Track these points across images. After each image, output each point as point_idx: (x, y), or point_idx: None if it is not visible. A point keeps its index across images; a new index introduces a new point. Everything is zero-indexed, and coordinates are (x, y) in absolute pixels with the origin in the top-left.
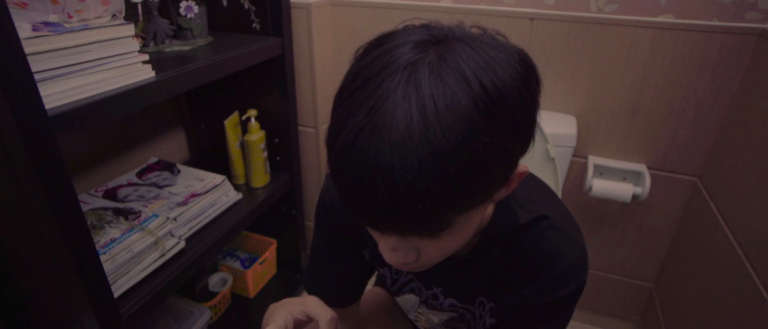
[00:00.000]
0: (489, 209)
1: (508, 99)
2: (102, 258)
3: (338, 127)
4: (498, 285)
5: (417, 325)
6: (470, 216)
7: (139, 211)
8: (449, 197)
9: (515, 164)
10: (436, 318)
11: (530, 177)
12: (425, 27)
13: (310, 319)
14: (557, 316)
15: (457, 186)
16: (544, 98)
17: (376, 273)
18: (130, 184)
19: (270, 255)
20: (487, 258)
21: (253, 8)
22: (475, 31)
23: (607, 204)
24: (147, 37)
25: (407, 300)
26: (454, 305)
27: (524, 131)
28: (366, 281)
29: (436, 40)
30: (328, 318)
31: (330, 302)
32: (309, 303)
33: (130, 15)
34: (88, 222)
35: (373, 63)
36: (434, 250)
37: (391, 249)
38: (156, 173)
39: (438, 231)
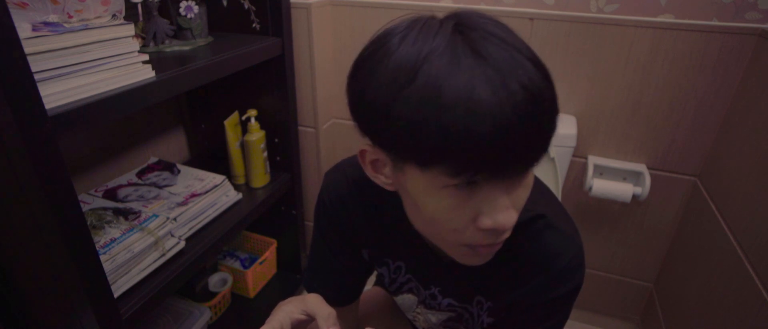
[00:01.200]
0: None
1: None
2: (102, 258)
3: (446, 87)
4: (495, 285)
5: (416, 325)
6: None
7: (139, 211)
8: (555, 125)
9: None
10: (434, 317)
11: None
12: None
13: (310, 318)
14: (554, 315)
15: (556, 117)
16: None
17: (376, 272)
18: (130, 184)
19: (270, 255)
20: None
21: (253, 8)
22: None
23: (607, 204)
24: (147, 37)
25: (406, 300)
26: (452, 305)
27: None
28: (364, 281)
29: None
30: (326, 314)
31: (329, 300)
32: (308, 301)
33: (130, 15)
34: (88, 222)
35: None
36: (521, 199)
37: (506, 208)
38: (156, 173)
39: (536, 165)
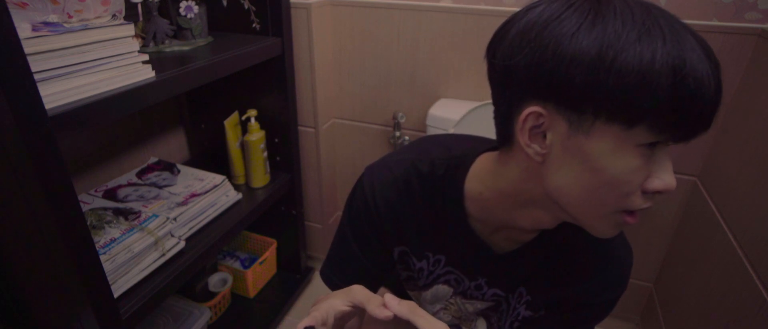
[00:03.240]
0: None
1: None
2: (102, 258)
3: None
4: (541, 279)
5: (438, 316)
6: None
7: (139, 211)
8: None
9: None
10: (471, 307)
11: None
12: None
13: (356, 309)
14: (596, 318)
15: None
16: None
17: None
18: (130, 184)
19: (270, 255)
20: (540, 251)
21: (253, 8)
22: None
23: None
24: (147, 37)
25: (438, 291)
26: (497, 295)
27: None
28: (380, 281)
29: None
30: (377, 302)
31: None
32: (354, 292)
33: (130, 15)
34: (88, 222)
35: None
36: None
37: (671, 170)
38: (156, 173)
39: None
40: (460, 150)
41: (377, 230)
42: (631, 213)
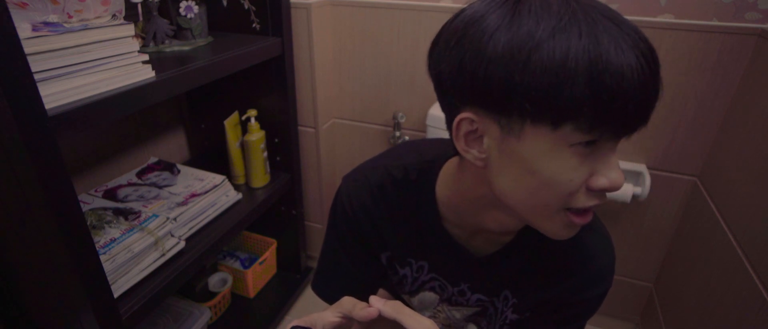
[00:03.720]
0: None
1: None
2: (102, 258)
3: (580, 67)
4: (524, 281)
5: None
6: None
7: (139, 211)
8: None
9: None
10: (458, 313)
11: None
12: None
13: (348, 320)
14: (582, 317)
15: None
16: None
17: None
18: (130, 184)
19: (270, 255)
20: (520, 253)
21: (253, 8)
22: None
23: (607, 204)
24: (147, 37)
25: (425, 298)
26: (481, 300)
27: None
28: (376, 287)
29: None
30: (362, 306)
31: (329, 299)
32: (343, 302)
33: (130, 15)
34: (88, 222)
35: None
36: None
37: (618, 166)
38: (156, 173)
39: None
40: (431, 154)
41: (359, 237)
42: (578, 212)
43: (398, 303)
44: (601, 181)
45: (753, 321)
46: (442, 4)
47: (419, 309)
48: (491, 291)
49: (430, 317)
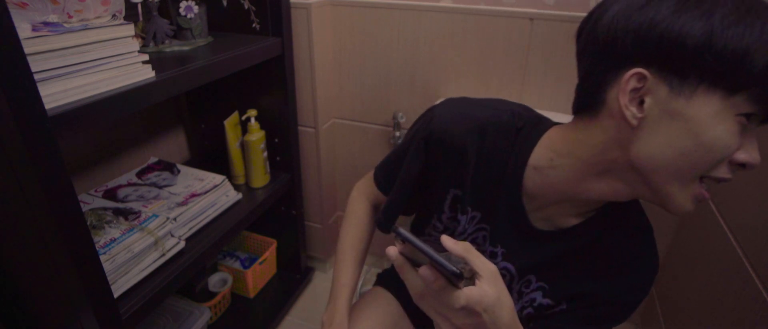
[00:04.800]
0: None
1: None
2: (102, 258)
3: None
4: (563, 268)
5: None
6: None
7: (139, 211)
8: None
9: None
10: None
11: None
12: None
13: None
14: (614, 320)
15: None
16: (543, 99)
17: (376, 273)
18: (130, 184)
19: (270, 255)
20: (577, 239)
21: (253, 8)
22: None
23: None
24: (147, 37)
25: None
26: (507, 269)
27: None
28: (408, 204)
29: None
30: None
31: (378, 185)
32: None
33: (130, 15)
34: (88, 222)
35: None
36: None
37: (757, 148)
38: (156, 173)
39: None
40: (540, 115)
41: (440, 160)
42: (709, 186)
43: (467, 244)
44: (743, 155)
45: (753, 321)
46: (442, 4)
47: None
48: (520, 267)
49: None
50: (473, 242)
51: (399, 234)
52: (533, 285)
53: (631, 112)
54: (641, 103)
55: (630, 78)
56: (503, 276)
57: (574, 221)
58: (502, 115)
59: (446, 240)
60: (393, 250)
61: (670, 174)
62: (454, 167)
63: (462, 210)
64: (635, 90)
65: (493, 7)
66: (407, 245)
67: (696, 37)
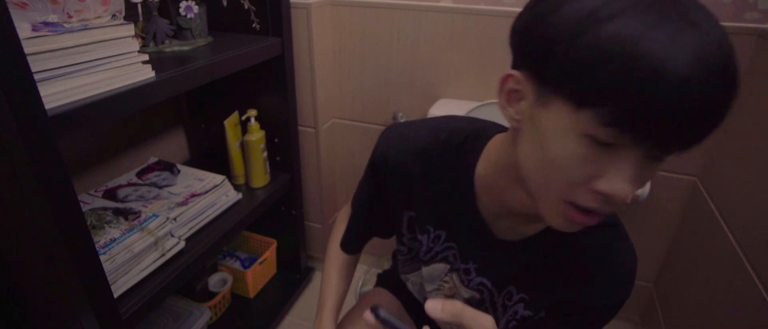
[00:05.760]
0: None
1: None
2: (102, 258)
3: (631, 51)
4: (538, 277)
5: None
6: None
7: (139, 211)
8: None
9: None
10: (465, 293)
11: None
12: None
13: None
14: (600, 322)
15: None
16: None
17: (376, 274)
18: (130, 184)
19: (270, 255)
20: (541, 247)
21: (253, 8)
22: None
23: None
24: (147, 37)
25: (434, 270)
26: (483, 285)
27: None
28: (372, 236)
29: None
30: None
31: (343, 243)
32: None
33: (130, 15)
34: (88, 222)
35: None
36: (645, 180)
37: (631, 180)
38: (156, 173)
39: (695, 146)
40: (482, 125)
41: (389, 187)
42: (581, 210)
43: (457, 304)
44: (601, 185)
45: (753, 321)
46: (442, 4)
47: (428, 280)
48: (496, 280)
49: (436, 289)
50: (445, 260)
51: (379, 317)
52: (515, 297)
53: (509, 113)
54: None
55: (504, 79)
56: (481, 291)
57: (538, 227)
58: (439, 135)
59: (433, 310)
60: (370, 317)
61: (536, 186)
62: (403, 190)
63: (420, 230)
64: (514, 91)
65: (493, 7)
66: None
67: (545, 42)
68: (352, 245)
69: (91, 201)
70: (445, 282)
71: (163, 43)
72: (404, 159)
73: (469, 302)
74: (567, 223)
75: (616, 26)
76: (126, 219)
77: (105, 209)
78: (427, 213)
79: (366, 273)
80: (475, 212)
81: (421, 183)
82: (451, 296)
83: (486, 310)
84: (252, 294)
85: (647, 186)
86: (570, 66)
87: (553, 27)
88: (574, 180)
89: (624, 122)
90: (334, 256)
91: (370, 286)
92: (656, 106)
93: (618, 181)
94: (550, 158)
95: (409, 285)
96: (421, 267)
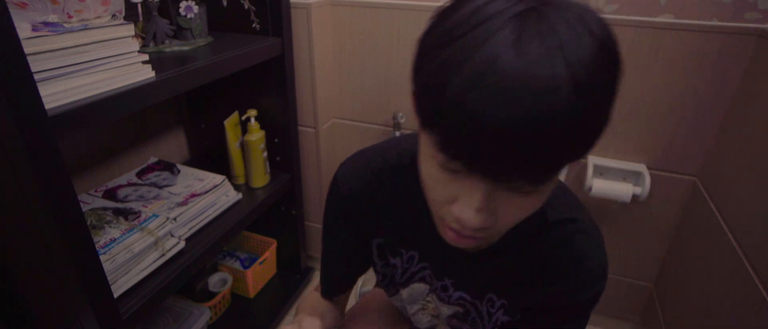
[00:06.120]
0: None
1: (618, 50)
2: (102, 258)
3: (450, 74)
4: (512, 282)
5: (417, 320)
6: (558, 175)
7: (139, 211)
8: (580, 143)
9: None
10: (446, 310)
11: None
12: None
13: None
14: (575, 320)
15: (588, 133)
16: None
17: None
18: (130, 184)
19: (270, 255)
20: (508, 252)
21: (253, 8)
22: None
23: (607, 205)
24: (147, 37)
25: (414, 291)
26: (463, 299)
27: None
28: (359, 275)
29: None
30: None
31: (325, 291)
32: (302, 321)
33: (130, 15)
34: (88, 222)
35: (472, 15)
36: (514, 212)
37: (476, 209)
38: (156, 173)
39: (541, 182)
40: None
41: (352, 220)
42: (453, 230)
43: None
44: (454, 209)
45: (753, 321)
46: (442, 4)
47: (409, 301)
48: (475, 291)
49: (421, 309)
50: (422, 280)
51: None
52: (497, 303)
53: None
54: None
55: (412, 97)
56: (461, 305)
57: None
58: (389, 157)
59: None
60: None
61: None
62: (370, 219)
63: (392, 254)
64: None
65: None
66: None
67: (415, 62)
68: (330, 288)
69: (91, 201)
70: (429, 302)
71: (163, 43)
72: (365, 183)
73: (454, 317)
74: (454, 239)
75: (444, 54)
76: (126, 219)
77: (105, 209)
78: (396, 236)
79: (366, 273)
80: (436, 228)
81: (385, 205)
82: (436, 315)
83: (473, 321)
84: (252, 294)
85: (647, 186)
86: (417, 90)
87: (420, 45)
88: (437, 201)
89: (448, 149)
90: (313, 305)
91: (370, 286)
92: (466, 138)
93: (464, 209)
94: (422, 178)
95: (396, 304)
96: (400, 290)
